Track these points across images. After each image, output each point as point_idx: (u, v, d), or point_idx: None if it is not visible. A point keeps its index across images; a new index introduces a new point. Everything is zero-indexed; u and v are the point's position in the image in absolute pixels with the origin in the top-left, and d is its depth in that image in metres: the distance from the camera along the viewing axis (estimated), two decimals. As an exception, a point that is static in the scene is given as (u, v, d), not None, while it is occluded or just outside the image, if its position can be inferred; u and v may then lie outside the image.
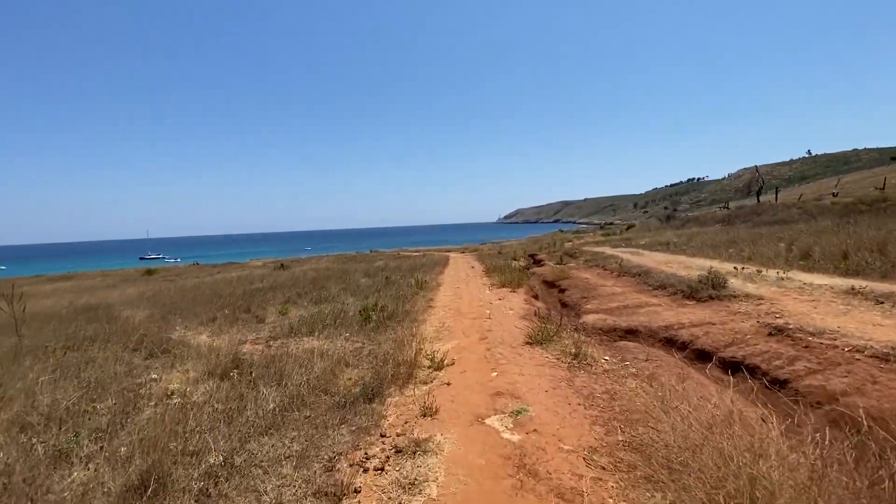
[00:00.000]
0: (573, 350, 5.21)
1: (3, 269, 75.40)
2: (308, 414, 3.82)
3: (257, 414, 3.80)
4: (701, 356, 5.95)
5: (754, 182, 42.33)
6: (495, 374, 4.49)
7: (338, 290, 12.81)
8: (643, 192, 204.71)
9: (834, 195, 43.24)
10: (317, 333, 7.59)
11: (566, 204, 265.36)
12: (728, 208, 48.53)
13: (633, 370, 4.95)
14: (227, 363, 5.51)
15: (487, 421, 3.43)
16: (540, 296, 11.13)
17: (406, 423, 3.51)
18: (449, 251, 38.92)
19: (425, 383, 4.48)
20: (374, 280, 13.89)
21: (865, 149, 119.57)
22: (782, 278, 8.52)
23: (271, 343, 7.50)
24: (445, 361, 4.96)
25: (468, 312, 7.96)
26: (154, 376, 5.70)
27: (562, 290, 11.39)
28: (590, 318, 7.79)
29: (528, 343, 5.66)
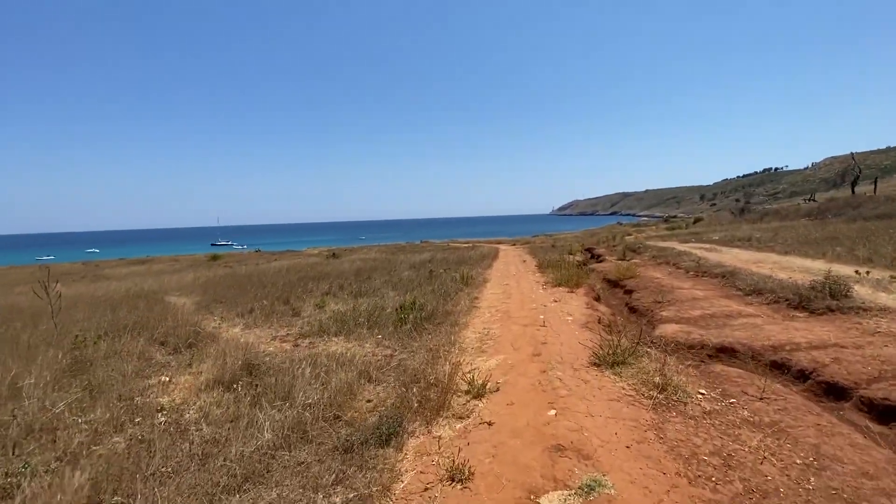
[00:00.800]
0: (657, 379, 3.92)
1: (96, 252, 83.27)
2: (303, 458, 2.88)
3: (240, 453, 2.92)
4: (830, 392, 4.42)
5: (849, 171, 37.02)
6: (553, 411, 3.33)
7: (381, 282, 12.07)
8: (711, 184, 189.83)
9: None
10: (347, 334, 6.77)
11: (625, 195, 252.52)
12: (814, 200, 43.10)
13: (746, 413, 3.59)
14: (235, 369, 4.75)
15: (543, 501, 2.30)
16: (602, 297, 9.68)
17: (426, 489, 2.47)
18: (500, 243, 37.50)
19: (460, 418, 3.41)
20: (419, 273, 12.99)
21: None
22: (928, 287, 6.58)
23: (300, 342, 6.77)
24: (488, 386, 3.86)
25: (518, 317, 6.78)
26: (164, 378, 5.09)
27: (628, 292, 9.85)
28: (668, 330, 6.35)
29: (594, 364, 4.42)
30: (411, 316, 7.13)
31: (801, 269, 9.12)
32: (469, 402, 3.68)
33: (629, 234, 32.43)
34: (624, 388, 3.85)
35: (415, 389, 3.82)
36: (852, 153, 40.29)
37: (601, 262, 17.19)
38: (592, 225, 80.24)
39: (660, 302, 8.02)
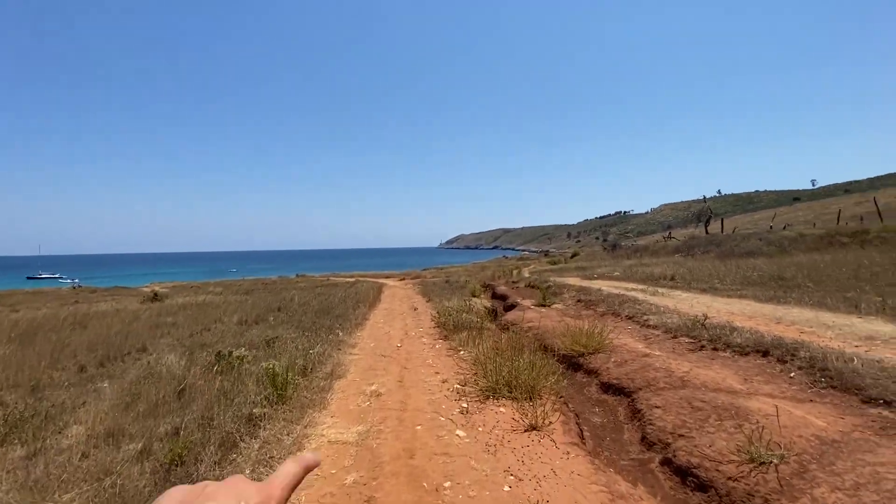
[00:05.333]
0: None
1: None
2: None
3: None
4: None
5: (703, 213, 39.57)
6: None
7: (106, 383, 5.46)
8: (575, 223, 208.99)
9: (770, 228, 41.56)
10: None
11: (505, 231, 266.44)
12: (673, 237, 45.73)
13: None
14: None
15: None
16: (568, 401, 4.46)
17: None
18: (388, 277, 31.70)
19: None
20: (222, 345, 6.54)
21: (766, 190, 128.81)
22: None
23: None
24: None
25: None
26: None
27: (612, 389, 4.82)
28: None
29: None
30: None
31: (862, 337, 5.04)
32: None
33: (517, 268, 29.13)
34: None
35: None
36: (704, 197, 43.90)
37: (514, 308, 12.39)
38: (479, 258, 78.72)
39: (744, 463, 3.01)
